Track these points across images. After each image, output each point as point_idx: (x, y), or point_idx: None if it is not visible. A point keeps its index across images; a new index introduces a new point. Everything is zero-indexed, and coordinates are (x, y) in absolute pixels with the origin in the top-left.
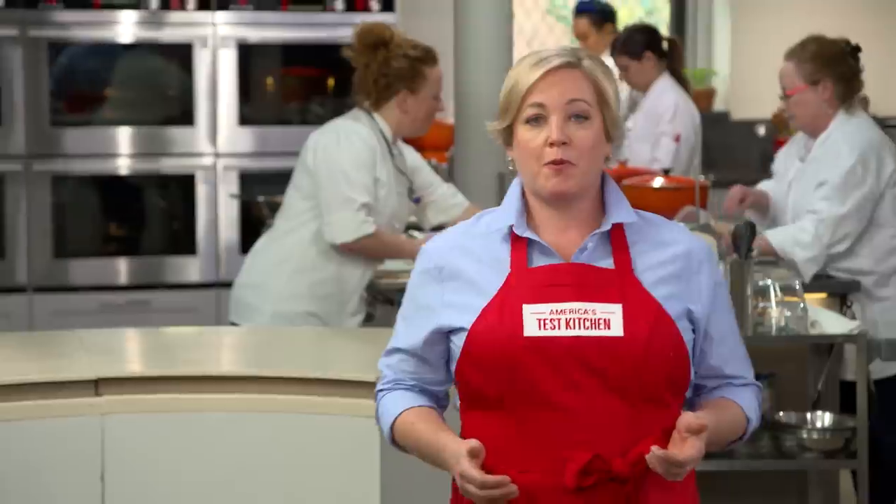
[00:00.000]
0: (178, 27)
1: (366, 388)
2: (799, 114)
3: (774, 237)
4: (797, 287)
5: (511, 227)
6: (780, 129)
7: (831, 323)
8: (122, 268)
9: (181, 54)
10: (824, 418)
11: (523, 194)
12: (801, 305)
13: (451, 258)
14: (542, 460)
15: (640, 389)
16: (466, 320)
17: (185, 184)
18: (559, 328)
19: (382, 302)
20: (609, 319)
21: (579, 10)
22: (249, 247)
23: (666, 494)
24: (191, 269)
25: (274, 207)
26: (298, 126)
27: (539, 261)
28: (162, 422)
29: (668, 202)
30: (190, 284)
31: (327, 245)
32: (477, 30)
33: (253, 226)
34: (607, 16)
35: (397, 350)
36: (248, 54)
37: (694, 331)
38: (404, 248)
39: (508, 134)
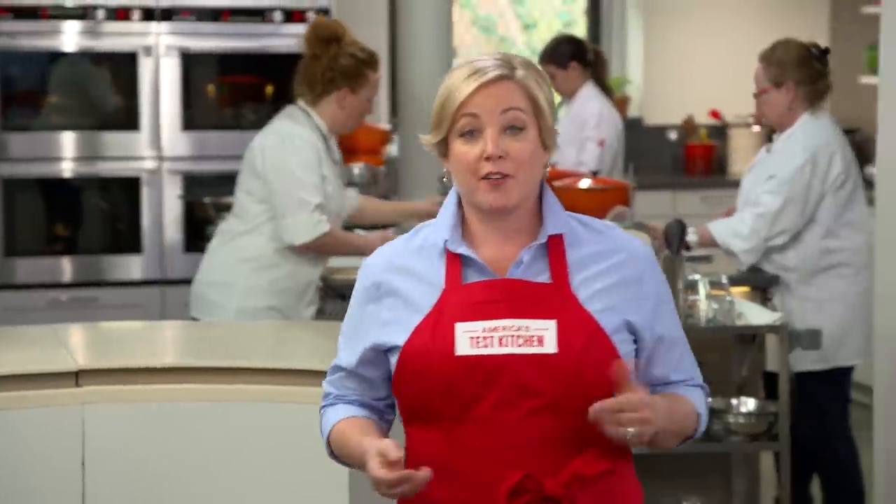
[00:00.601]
0: (123, 37)
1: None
2: (767, 112)
3: (715, 228)
4: (724, 282)
5: (446, 241)
6: (689, 134)
7: (755, 315)
8: (70, 266)
9: (126, 63)
10: (748, 404)
11: (460, 206)
12: (728, 299)
13: (387, 275)
14: (475, 480)
15: (575, 407)
16: (401, 338)
17: (130, 186)
18: (492, 346)
19: (334, 297)
20: (543, 336)
21: None
22: (193, 246)
23: None
24: (137, 267)
25: (220, 208)
26: (239, 131)
27: (473, 277)
28: (140, 411)
29: (598, 203)
30: (135, 282)
31: (283, 243)
32: (418, 37)
33: (196, 225)
34: None
35: (340, 369)
36: (190, 63)
37: (635, 341)
38: (358, 245)
39: (444, 146)
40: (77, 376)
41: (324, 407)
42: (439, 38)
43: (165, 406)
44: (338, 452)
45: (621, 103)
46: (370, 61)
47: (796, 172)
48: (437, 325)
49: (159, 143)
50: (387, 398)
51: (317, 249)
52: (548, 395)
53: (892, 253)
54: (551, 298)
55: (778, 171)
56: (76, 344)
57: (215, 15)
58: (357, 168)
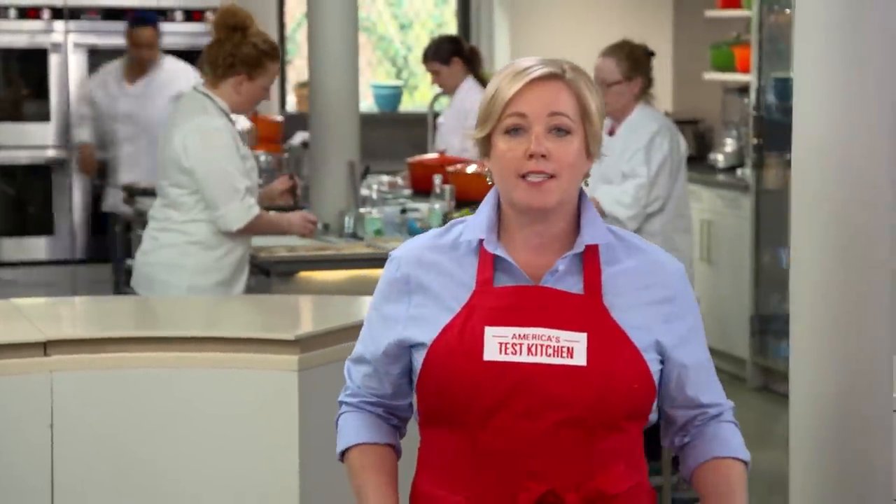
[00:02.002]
0: (33, 34)
1: (275, 344)
2: (612, 102)
3: (603, 197)
4: None
5: (480, 241)
6: None
7: None
8: None
9: (37, 59)
10: None
11: (498, 207)
12: None
13: (417, 270)
14: (494, 489)
15: (600, 420)
16: (428, 336)
17: (41, 172)
18: (520, 353)
19: (258, 273)
20: (573, 348)
21: (147, 21)
22: (99, 228)
23: None
24: (48, 248)
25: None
26: None
27: (505, 280)
28: (104, 378)
29: (486, 186)
30: (45, 262)
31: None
32: (328, 37)
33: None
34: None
35: (363, 361)
36: (97, 59)
37: (662, 361)
38: (282, 225)
39: (486, 144)
40: (45, 346)
41: (344, 403)
42: (345, 40)
43: (127, 372)
44: (349, 475)
45: None
46: (271, 53)
47: (657, 143)
48: (466, 326)
49: (68, 132)
50: (404, 397)
51: (248, 232)
52: (574, 408)
53: (809, 240)
54: (584, 310)
55: (640, 145)
56: (39, 317)
57: (120, 14)
58: (262, 155)
